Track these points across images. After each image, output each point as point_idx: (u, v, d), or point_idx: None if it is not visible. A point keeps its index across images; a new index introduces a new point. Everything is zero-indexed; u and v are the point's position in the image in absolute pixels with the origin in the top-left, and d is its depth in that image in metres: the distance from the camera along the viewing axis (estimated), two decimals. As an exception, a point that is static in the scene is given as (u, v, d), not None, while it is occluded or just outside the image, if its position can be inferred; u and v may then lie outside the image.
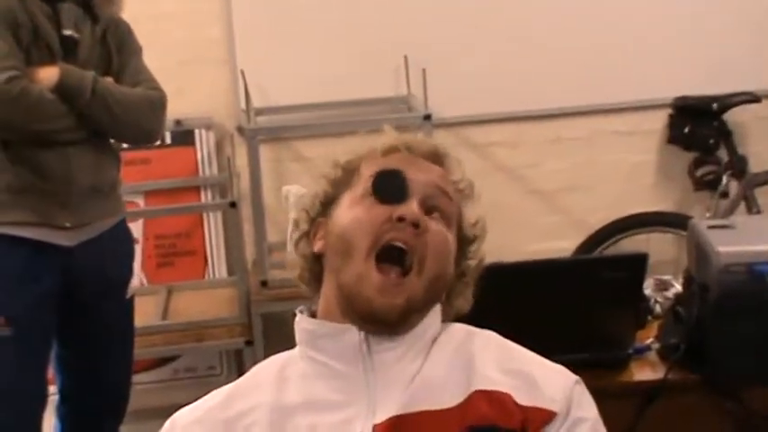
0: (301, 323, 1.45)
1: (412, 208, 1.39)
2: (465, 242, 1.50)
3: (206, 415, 1.43)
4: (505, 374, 1.39)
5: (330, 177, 1.50)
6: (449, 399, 1.36)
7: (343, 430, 1.35)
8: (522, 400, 1.36)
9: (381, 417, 1.33)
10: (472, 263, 1.51)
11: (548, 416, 1.35)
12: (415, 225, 1.37)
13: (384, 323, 1.38)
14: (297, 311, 1.48)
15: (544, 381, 1.39)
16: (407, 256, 1.37)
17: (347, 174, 1.49)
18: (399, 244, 1.37)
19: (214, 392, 1.46)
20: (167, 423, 1.44)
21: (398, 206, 1.40)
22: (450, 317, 1.51)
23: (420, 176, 1.45)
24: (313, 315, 1.48)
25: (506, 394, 1.36)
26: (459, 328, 1.45)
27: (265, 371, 1.46)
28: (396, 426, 1.33)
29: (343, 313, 1.42)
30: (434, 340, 1.44)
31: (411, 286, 1.38)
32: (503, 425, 1.34)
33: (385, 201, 1.40)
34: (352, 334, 1.38)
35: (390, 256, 1.37)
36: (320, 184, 1.51)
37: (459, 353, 1.41)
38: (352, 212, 1.44)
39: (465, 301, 1.51)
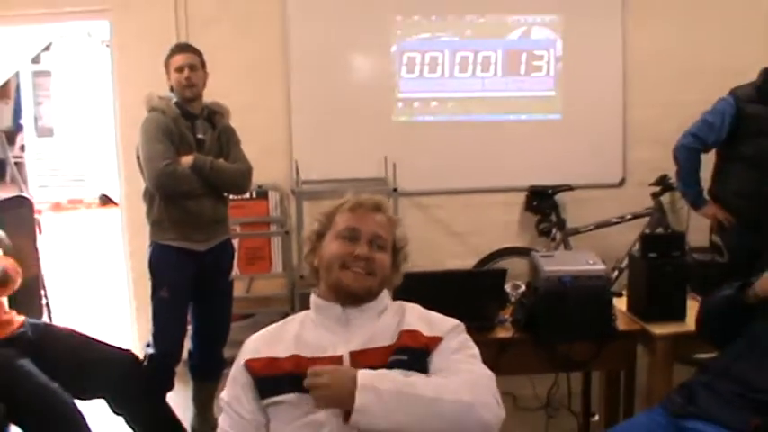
0: (313, 299, 1.82)
1: (364, 249, 1.75)
2: (396, 251, 1.85)
3: (264, 335, 1.83)
4: (419, 321, 1.78)
5: (320, 222, 1.86)
6: (389, 339, 1.75)
7: (333, 350, 1.74)
8: (427, 332, 1.75)
9: (354, 348, 1.74)
10: (401, 260, 1.87)
11: (438, 340, 1.74)
12: (366, 259, 1.73)
13: (358, 297, 1.76)
14: (312, 292, 1.85)
15: (439, 322, 1.78)
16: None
17: (328, 220, 1.86)
18: (359, 269, 1.74)
19: (270, 326, 1.84)
20: (244, 345, 1.84)
21: (357, 245, 1.75)
22: (392, 289, 1.87)
23: (368, 228, 1.80)
24: (320, 295, 1.82)
25: (418, 331, 1.75)
26: (400, 303, 1.84)
27: (295, 320, 1.83)
28: (361, 353, 1.72)
29: (333, 297, 1.80)
30: (385, 310, 1.82)
31: (371, 279, 1.77)
32: (414, 346, 1.72)
33: (350, 240, 1.74)
34: (337, 309, 1.78)
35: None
36: (314, 225, 1.88)
37: (397, 313, 1.81)
38: (330, 247, 1.79)
39: (398, 279, 1.87)
